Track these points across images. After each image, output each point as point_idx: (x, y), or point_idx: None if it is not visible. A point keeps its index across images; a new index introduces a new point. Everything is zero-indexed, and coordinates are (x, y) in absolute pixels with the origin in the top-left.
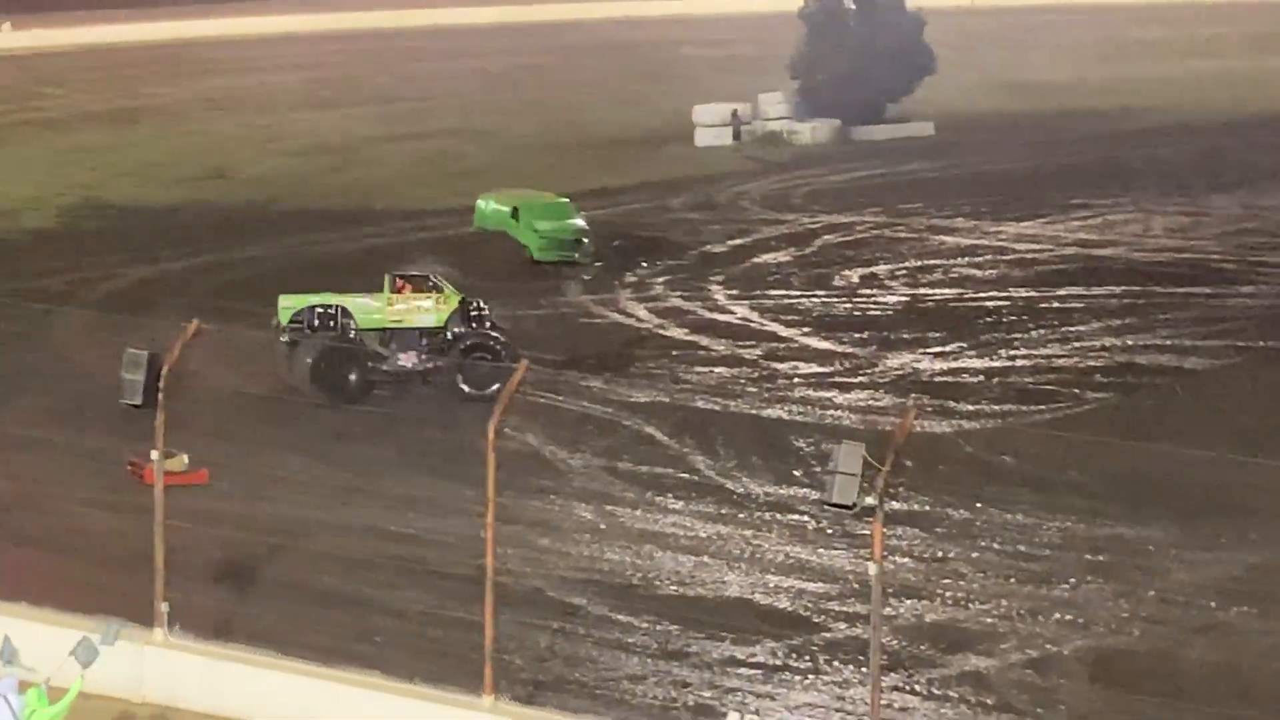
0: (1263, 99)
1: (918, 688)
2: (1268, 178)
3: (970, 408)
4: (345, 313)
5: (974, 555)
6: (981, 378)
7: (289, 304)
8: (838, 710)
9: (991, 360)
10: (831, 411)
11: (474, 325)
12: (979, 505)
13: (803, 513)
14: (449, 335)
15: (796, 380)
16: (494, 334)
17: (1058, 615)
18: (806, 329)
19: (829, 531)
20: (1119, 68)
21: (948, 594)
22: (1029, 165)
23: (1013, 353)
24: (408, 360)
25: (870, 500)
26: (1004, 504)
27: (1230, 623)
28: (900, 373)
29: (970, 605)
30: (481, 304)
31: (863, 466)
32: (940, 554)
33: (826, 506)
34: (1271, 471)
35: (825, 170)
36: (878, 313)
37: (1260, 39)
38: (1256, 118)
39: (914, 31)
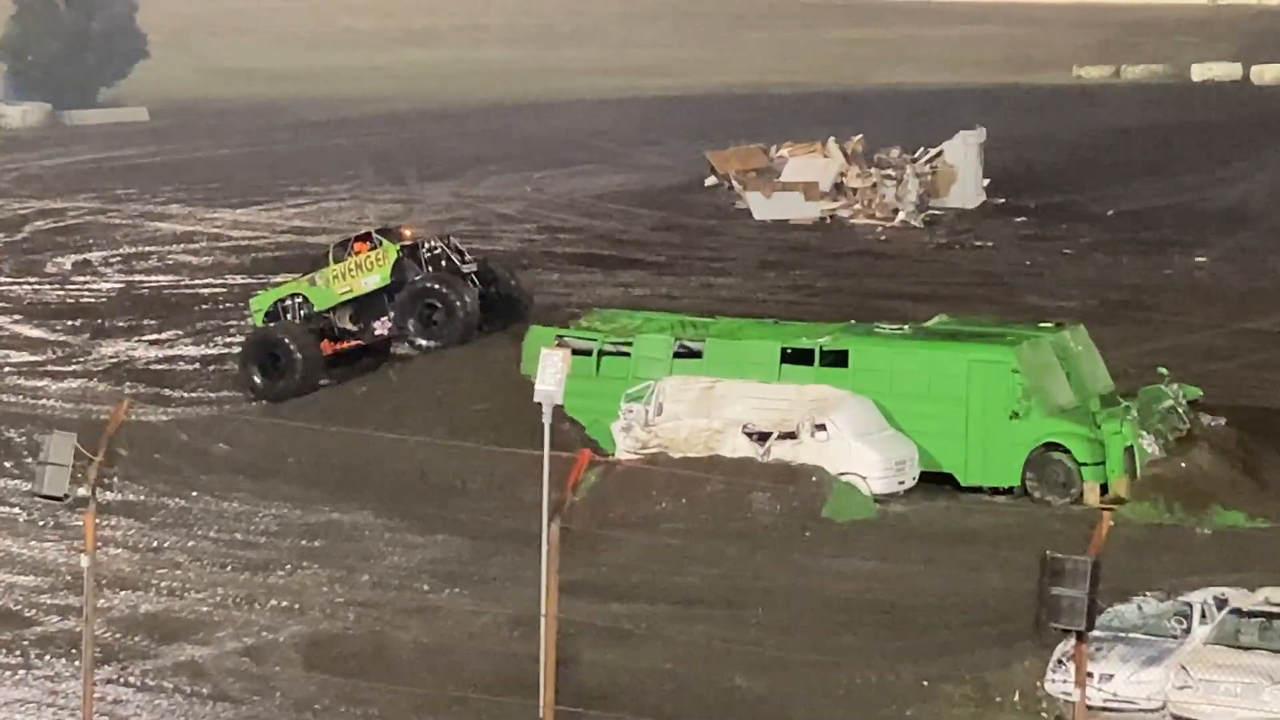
0: (471, 88)
1: (132, 679)
2: (475, 167)
3: (187, 395)
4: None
5: (190, 544)
6: (198, 365)
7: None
8: (49, 705)
9: (208, 347)
10: (44, 401)
11: (428, 269)
12: (195, 494)
13: (13, 505)
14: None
15: (7, 369)
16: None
17: (274, 602)
18: (17, 316)
19: (41, 524)
20: (331, 56)
21: (163, 584)
22: (243, 152)
23: (229, 340)
24: (382, 328)
25: (82, 491)
26: (221, 492)
27: (441, 604)
28: (115, 360)
29: (186, 594)
30: (433, 242)
31: (74, 457)
32: (156, 544)
33: (38, 498)
34: (477, 454)
35: (36, 155)
36: (92, 300)
37: (472, 30)
38: (466, 107)
39: (126, 16)
